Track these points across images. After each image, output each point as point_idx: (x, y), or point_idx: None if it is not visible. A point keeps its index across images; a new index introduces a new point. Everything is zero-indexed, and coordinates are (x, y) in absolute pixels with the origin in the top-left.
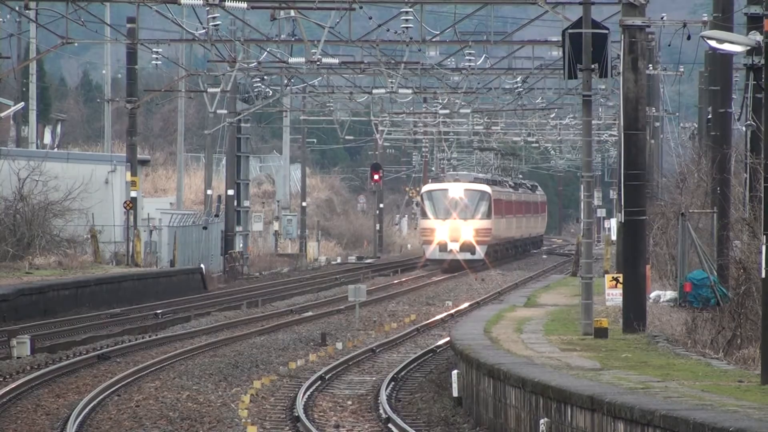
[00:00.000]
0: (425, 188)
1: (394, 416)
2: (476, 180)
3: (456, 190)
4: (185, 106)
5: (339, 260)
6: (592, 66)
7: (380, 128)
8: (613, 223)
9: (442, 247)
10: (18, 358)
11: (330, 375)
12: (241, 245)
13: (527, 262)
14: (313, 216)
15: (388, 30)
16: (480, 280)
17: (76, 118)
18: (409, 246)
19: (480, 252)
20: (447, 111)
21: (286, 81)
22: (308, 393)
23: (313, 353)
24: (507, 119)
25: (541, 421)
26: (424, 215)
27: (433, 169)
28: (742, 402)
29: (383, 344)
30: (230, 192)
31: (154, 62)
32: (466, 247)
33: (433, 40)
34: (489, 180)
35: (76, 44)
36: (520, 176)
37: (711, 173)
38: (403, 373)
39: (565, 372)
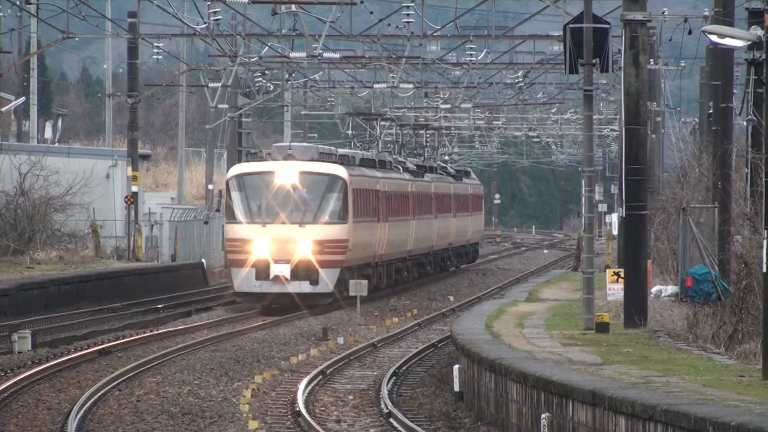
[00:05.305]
0: (233, 170)
1: (395, 411)
2: (323, 157)
3: (286, 173)
4: (186, 100)
5: None
6: (594, 61)
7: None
8: (614, 218)
9: (262, 272)
10: (19, 353)
11: (331, 370)
12: None
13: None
14: None
15: (389, 25)
16: (481, 275)
17: (77, 113)
18: None
19: (327, 280)
20: (448, 106)
21: (287, 76)
22: (309, 388)
23: (314, 348)
24: (508, 114)
25: (543, 415)
26: (232, 216)
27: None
28: (743, 397)
29: (384, 339)
30: None
31: (155, 57)
32: (303, 272)
33: (435, 34)
34: (347, 158)
35: (77, 39)
36: (446, 158)
37: (712, 168)
38: (404, 368)
39: (566, 367)
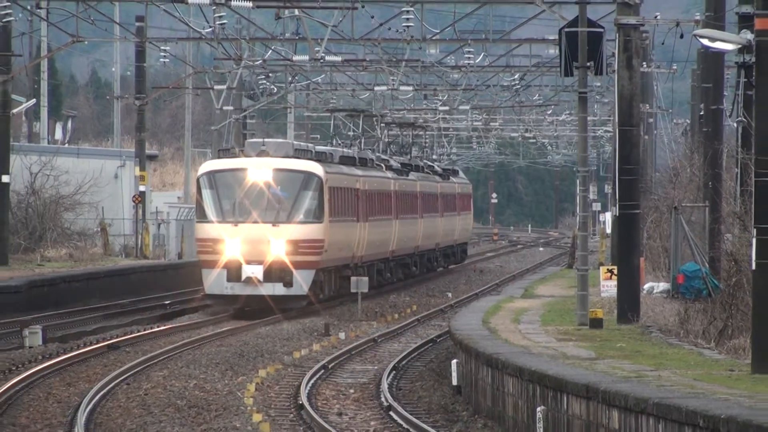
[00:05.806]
0: (204, 167)
1: (395, 404)
2: (298, 153)
3: (259, 170)
4: (192, 102)
5: None
6: (588, 64)
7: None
8: (608, 217)
9: (234, 273)
10: (30, 348)
11: (333, 364)
12: None
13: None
14: None
15: (389, 29)
16: (479, 272)
17: (86, 115)
18: None
19: (301, 282)
20: (447, 107)
21: (290, 78)
22: (312, 381)
23: (316, 343)
24: (505, 115)
25: (538, 408)
26: (202, 215)
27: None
28: (732, 390)
29: (385, 334)
30: None
31: (162, 60)
32: (277, 273)
33: (434, 38)
34: (324, 155)
35: (86, 42)
36: (435, 157)
37: (703, 168)
38: (404, 363)
39: (561, 361)
